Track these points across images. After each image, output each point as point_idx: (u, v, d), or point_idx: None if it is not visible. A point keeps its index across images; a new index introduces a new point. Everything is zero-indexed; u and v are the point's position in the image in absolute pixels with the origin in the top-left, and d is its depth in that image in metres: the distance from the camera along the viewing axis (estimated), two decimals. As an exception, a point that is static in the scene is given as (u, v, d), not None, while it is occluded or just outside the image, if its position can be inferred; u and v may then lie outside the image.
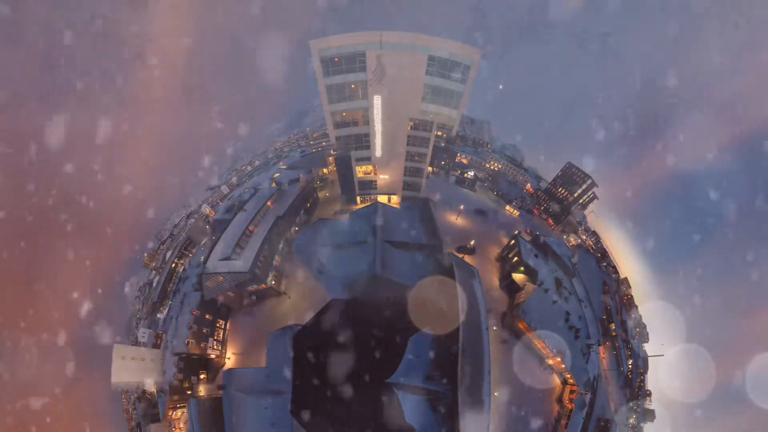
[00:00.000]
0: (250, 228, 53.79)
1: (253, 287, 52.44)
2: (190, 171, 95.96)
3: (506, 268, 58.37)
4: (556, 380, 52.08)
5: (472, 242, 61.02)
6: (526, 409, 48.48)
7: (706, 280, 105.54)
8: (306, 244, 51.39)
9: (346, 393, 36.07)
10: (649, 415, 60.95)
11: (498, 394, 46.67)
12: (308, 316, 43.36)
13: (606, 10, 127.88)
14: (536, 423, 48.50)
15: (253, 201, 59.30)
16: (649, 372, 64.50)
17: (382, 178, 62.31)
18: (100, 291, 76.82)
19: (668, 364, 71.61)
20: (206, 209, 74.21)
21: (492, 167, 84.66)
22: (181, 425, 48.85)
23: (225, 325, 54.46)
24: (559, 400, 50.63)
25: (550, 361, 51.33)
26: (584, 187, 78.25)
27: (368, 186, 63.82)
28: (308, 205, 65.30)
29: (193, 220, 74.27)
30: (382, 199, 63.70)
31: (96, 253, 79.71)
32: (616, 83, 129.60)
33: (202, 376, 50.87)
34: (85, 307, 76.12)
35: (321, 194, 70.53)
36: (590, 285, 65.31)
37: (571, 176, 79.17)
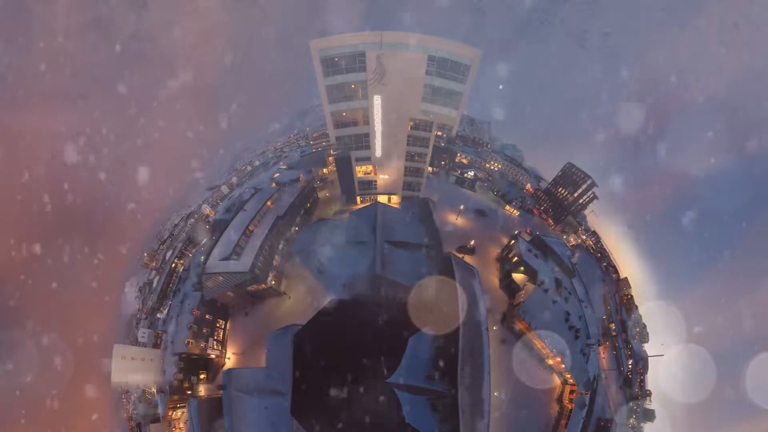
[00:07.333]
0: (250, 228, 53.80)
1: (253, 287, 52.46)
2: (190, 171, 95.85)
3: (506, 268, 58.35)
4: (556, 380, 52.07)
5: (472, 242, 60.99)
6: (526, 409, 48.51)
7: (707, 280, 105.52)
8: (306, 244, 51.42)
9: (346, 393, 36.09)
10: (649, 415, 60.96)
11: (498, 394, 46.66)
12: (308, 316, 43.38)
13: (606, 9, 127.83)
14: (536, 423, 48.54)
15: (253, 201, 59.30)
16: (649, 372, 64.51)
17: (382, 178, 62.35)
18: (99, 291, 76.74)
19: (668, 364, 71.67)
20: (206, 209, 74.11)
21: (492, 167, 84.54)
22: (181, 425, 48.86)
23: (225, 325, 54.49)
24: (559, 400, 50.63)
25: (550, 361, 51.34)
26: (584, 187, 78.22)
27: (368, 186, 63.87)
28: (308, 205, 65.27)
29: (193, 220, 74.25)
30: (382, 199, 63.70)
31: (96, 253, 79.67)
32: (617, 83, 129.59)
33: (202, 376, 50.88)
34: (85, 308, 76.16)
35: (321, 194, 70.48)
36: (590, 285, 65.31)
37: (571, 176, 79.09)
